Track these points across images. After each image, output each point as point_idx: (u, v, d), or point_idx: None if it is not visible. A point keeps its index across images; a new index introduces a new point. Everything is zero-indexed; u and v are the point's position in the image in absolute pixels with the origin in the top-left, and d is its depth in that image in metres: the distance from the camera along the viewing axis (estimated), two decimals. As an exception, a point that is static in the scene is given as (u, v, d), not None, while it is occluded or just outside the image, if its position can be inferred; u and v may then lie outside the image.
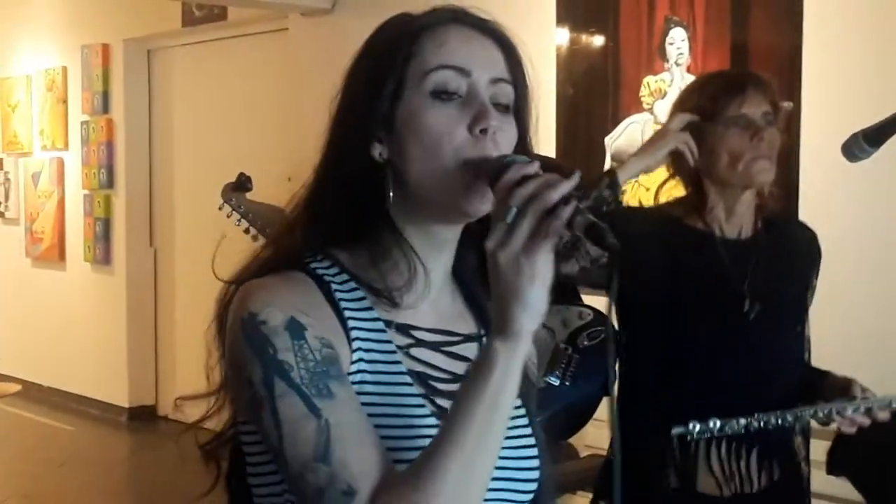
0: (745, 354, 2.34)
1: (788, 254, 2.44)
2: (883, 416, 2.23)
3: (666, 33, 4.46)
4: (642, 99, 4.54)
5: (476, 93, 1.28)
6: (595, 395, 3.28)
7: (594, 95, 4.71)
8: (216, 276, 1.37)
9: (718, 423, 2.20)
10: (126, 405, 7.65)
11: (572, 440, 4.22)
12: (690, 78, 4.35)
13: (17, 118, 8.63)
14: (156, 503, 6.22)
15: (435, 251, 1.33)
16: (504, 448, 1.26)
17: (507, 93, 1.30)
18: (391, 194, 1.28)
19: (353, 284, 1.29)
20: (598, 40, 4.70)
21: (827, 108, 3.86)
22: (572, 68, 4.75)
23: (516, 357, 1.17)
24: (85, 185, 7.98)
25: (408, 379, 1.28)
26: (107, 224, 7.86)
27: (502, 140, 1.28)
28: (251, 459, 1.30)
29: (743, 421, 2.21)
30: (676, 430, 2.22)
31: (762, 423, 2.22)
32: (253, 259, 1.35)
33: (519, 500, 1.34)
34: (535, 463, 1.36)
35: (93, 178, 7.89)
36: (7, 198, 8.82)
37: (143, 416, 7.65)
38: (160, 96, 7.77)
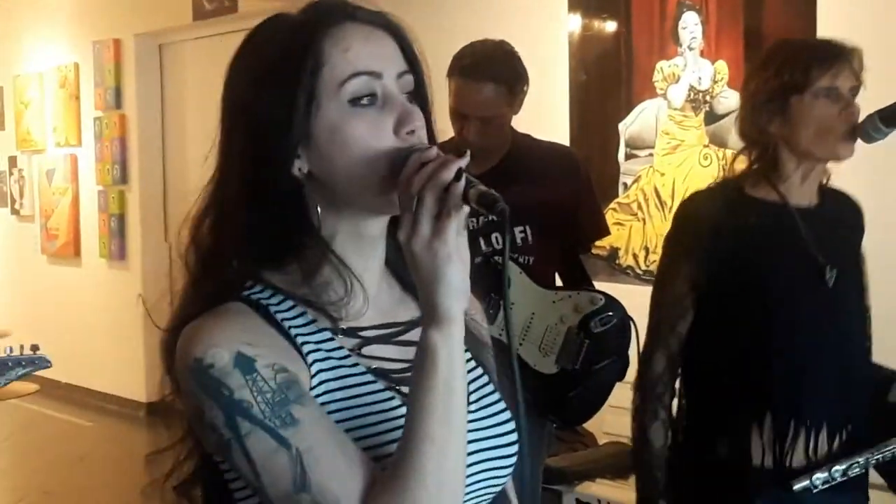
0: (827, 321, 2.31)
1: (845, 223, 2.42)
2: None
3: (678, 17, 4.43)
4: (656, 84, 4.52)
5: (392, 94, 1.28)
6: (608, 380, 3.27)
7: (607, 81, 4.69)
8: (155, 325, 1.39)
9: (840, 468, 2.22)
10: (144, 400, 7.66)
11: (591, 427, 4.21)
12: (704, 62, 4.33)
13: (31, 115, 8.64)
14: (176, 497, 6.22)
15: (367, 250, 1.34)
16: (475, 420, 1.30)
17: (410, 82, 1.31)
18: (318, 209, 1.29)
19: (290, 303, 1.29)
20: (611, 26, 4.67)
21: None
22: (585, 54, 4.73)
23: (454, 339, 1.20)
24: (99, 181, 8.00)
25: (370, 377, 1.29)
26: (121, 220, 7.88)
27: (422, 135, 1.29)
28: (234, 485, 1.30)
29: (861, 459, 2.23)
30: (799, 485, 2.22)
31: (880, 458, 2.24)
32: (182, 301, 1.37)
33: (502, 466, 1.36)
34: (510, 426, 1.37)
35: (106, 174, 7.90)
36: (22, 195, 8.84)
37: (161, 411, 7.63)
38: (172, 90, 7.77)
